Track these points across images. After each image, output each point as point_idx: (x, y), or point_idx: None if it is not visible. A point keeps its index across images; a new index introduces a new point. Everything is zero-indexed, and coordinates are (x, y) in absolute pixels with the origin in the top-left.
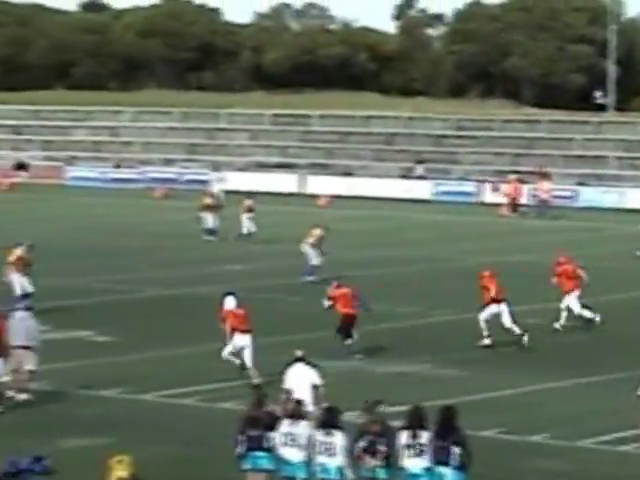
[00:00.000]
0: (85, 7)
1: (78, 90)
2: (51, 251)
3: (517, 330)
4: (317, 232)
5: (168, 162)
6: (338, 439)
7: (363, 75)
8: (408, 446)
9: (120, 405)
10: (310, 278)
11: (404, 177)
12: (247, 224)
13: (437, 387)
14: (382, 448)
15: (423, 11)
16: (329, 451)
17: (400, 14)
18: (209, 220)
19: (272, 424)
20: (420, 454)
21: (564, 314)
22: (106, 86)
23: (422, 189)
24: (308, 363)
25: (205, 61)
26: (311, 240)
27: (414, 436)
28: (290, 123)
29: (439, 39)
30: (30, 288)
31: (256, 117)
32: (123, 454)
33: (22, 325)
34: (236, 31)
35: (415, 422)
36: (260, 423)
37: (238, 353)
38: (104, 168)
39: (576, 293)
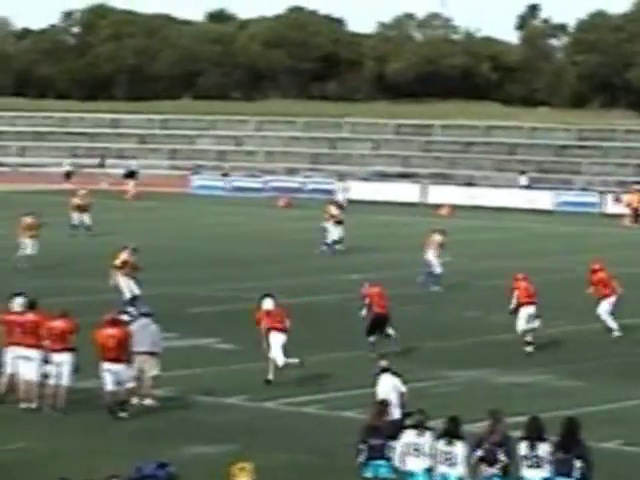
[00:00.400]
0: (211, 17)
1: (203, 100)
2: (176, 259)
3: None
4: (437, 238)
5: (291, 171)
6: (459, 449)
7: (485, 85)
8: (525, 457)
9: (244, 412)
10: (436, 288)
11: (525, 187)
12: (332, 232)
13: (557, 398)
14: (502, 457)
15: (546, 21)
16: (450, 461)
17: (523, 24)
18: (333, 231)
19: (394, 433)
20: (537, 465)
21: (609, 321)
22: (231, 96)
23: (544, 200)
24: (394, 373)
25: (329, 71)
26: (432, 248)
27: (532, 447)
28: (412, 133)
29: (562, 49)
30: (137, 291)
31: (378, 127)
32: (245, 461)
33: (145, 331)
34: (359, 41)
35: (533, 433)
36: (382, 432)
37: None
38: (228, 177)
39: (612, 299)
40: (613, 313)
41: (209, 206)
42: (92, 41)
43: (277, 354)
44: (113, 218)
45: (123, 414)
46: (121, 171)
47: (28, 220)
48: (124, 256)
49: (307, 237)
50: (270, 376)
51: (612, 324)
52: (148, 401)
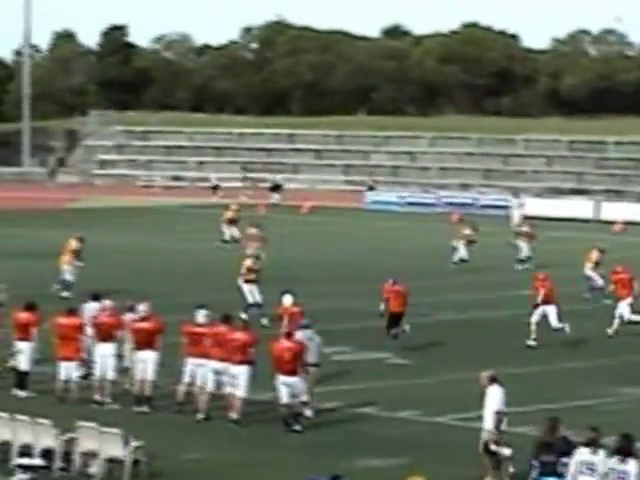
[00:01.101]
0: (386, 33)
1: (378, 115)
2: (349, 273)
3: (565, 328)
4: (595, 255)
5: (464, 187)
6: (632, 467)
7: None
8: None
9: (417, 427)
10: (607, 301)
11: None
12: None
13: None
14: None
15: None
16: (623, 479)
17: None
18: (524, 248)
19: (566, 450)
20: None
21: (617, 321)
22: (405, 111)
23: None
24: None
25: (502, 86)
26: (590, 263)
27: None
28: (586, 149)
29: None
30: (259, 298)
31: (552, 143)
32: (418, 475)
33: (311, 344)
34: (534, 57)
35: None
36: (554, 449)
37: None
38: (402, 192)
39: (628, 300)
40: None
41: (382, 221)
42: (270, 57)
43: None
44: (287, 232)
45: (297, 427)
46: (296, 185)
47: (252, 231)
48: (248, 263)
49: (479, 253)
50: None
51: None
52: (309, 412)
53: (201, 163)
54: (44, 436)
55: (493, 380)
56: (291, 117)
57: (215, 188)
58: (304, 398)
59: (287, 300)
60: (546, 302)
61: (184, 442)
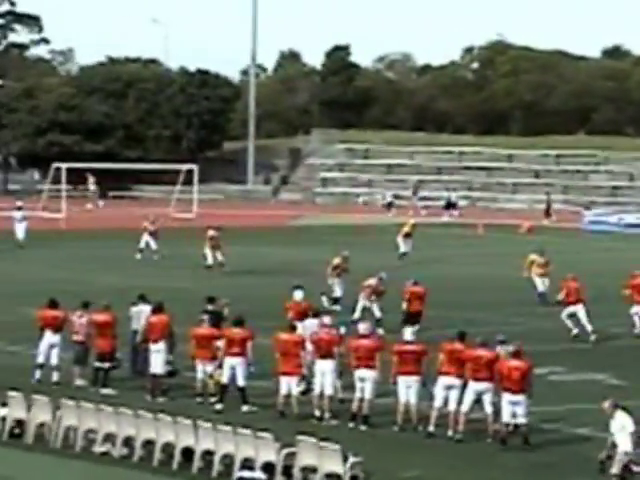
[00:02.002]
0: (607, 53)
1: (597, 135)
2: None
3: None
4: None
5: None
6: None
7: None
8: None
9: None
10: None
11: None
12: None
13: None
14: None
15: None
16: None
17: None
18: None
19: None
20: None
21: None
22: (624, 131)
23: None
24: (624, 410)
25: None
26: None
27: None
28: None
29: None
30: (378, 314)
31: None
32: None
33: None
34: None
35: None
36: None
37: None
38: (621, 214)
39: None
40: None
41: (600, 242)
42: (490, 76)
43: None
44: (504, 251)
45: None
46: (515, 205)
47: (538, 259)
48: (371, 282)
49: None
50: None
51: None
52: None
53: (421, 182)
54: (265, 450)
55: (616, 407)
56: (510, 137)
57: (389, 205)
58: (524, 420)
59: (297, 295)
60: (576, 301)
61: (404, 459)
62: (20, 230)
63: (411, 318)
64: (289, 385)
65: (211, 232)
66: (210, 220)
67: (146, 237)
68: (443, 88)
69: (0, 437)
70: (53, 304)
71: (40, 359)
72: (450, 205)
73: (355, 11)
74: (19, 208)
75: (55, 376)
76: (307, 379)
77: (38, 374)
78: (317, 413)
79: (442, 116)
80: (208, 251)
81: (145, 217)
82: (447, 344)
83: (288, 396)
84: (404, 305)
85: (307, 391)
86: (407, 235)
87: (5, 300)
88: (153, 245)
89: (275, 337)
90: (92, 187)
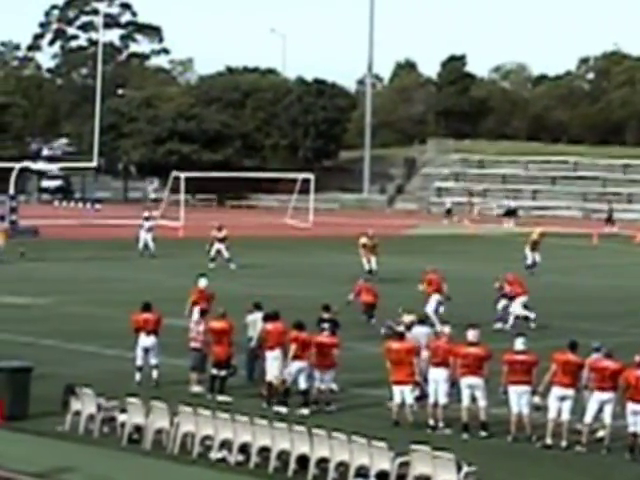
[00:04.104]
0: None
1: None
2: None
3: None
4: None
5: None
6: None
7: None
8: None
9: None
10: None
11: None
12: None
13: None
14: None
15: None
16: None
17: None
18: None
19: None
20: None
21: None
22: None
23: None
24: None
25: None
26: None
27: None
28: None
29: None
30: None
31: None
32: None
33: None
34: None
35: None
36: None
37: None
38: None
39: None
40: None
41: None
42: (605, 87)
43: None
44: (620, 262)
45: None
46: (630, 216)
47: None
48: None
49: None
50: None
51: None
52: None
53: (535, 192)
54: (379, 458)
55: None
56: (626, 147)
57: (449, 212)
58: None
59: (202, 283)
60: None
61: (517, 469)
62: (148, 239)
63: (367, 308)
64: (402, 394)
65: (364, 239)
66: (326, 229)
67: (217, 245)
68: (559, 98)
69: (119, 442)
70: (147, 307)
71: (138, 362)
72: (510, 212)
73: (471, 21)
74: (147, 218)
75: (154, 374)
76: (421, 387)
77: (138, 377)
78: (431, 422)
79: (557, 126)
80: (365, 258)
81: (212, 226)
82: (560, 354)
83: (402, 405)
84: (351, 297)
85: (421, 397)
86: (535, 244)
87: (123, 307)
88: (225, 254)
89: (387, 346)
90: (152, 195)
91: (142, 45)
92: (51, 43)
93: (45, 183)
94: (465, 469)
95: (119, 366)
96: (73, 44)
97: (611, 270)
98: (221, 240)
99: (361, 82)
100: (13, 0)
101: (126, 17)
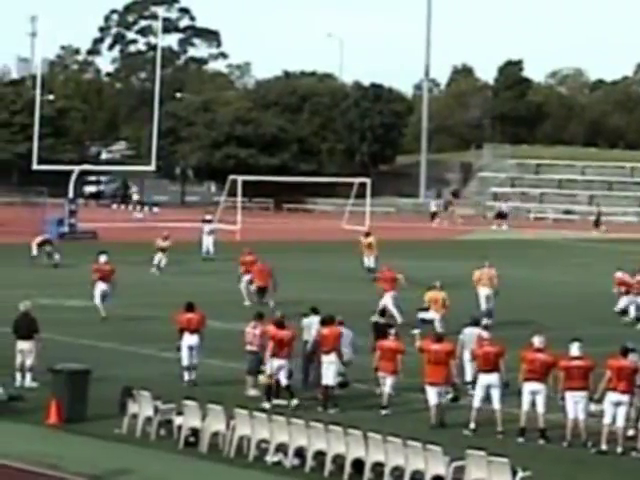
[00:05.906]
0: None
1: None
2: None
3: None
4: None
5: None
6: None
7: None
8: None
9: None
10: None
11: None
12: None
13: None
14: None
15: None
16: None
17: None
18: None
19: None
20: None
21: None
22: None
23: None
24: None
25: None
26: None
27: None
28: None
29: None
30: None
31: None
32: None
33: None
34: None
35: None
36: None
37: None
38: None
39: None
40: None
41: None
42: None
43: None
44: None
45: None
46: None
47: None
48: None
49: None
50: None
51: None
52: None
53: (592, 197)
54: (435, 463)
55: None
56: None
57: (500, 216)
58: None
59: (102, 258)
60: None
61: (573, 475)
62: (209, 243)
63: (260, 291)
64: (438, 395)
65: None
66: (382, 233)
67: (159, 254)
68: (616, 103)
69: (176, 445)
70: (190, 307)
71: (185, 362)
72: (501, 215)
73: (528, 26)
74: (208, 221)
75: (192, 374)
76: (458, 388)
77: (187, 376)
78: (472, 426)
79: (615, 131)
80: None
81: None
82: (614, 361)
83: (438, 406)
84: (246, 278)
85: (455, 399)
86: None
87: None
88: (162, 262)
89: (425, 347)
90: (135, 197)
91: (200, 49)
92: (110, 47)
93: (100, 187)
94: (520, 474)
95: (176, 369)
96: (132, 48)
97: None
98: (163, 250)
99: (418, 87)
100: (73, 5)
101: (185, 22)
